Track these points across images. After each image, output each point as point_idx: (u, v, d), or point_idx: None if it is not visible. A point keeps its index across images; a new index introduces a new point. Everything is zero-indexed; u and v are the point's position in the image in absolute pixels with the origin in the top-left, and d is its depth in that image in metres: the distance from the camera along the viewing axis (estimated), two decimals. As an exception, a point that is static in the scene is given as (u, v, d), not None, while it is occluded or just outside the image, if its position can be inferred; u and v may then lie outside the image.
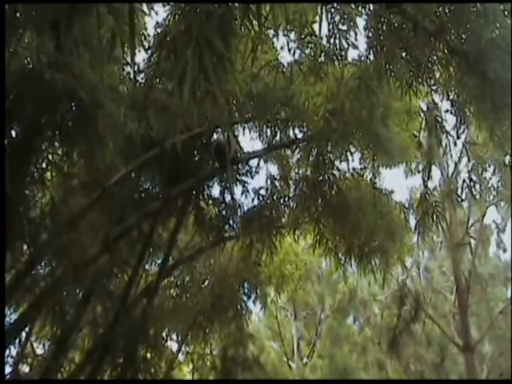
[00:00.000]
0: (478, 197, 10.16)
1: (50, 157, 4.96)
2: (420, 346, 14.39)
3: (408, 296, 12.52)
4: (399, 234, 7.84)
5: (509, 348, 12.63)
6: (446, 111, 6.69)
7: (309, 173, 7.36)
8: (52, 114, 4.38)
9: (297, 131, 7.09)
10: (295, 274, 9.87)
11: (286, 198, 7.65)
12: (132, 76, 5.53)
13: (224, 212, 7.54)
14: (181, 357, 9.84)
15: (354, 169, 7.63)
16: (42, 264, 6.34)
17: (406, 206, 8.13)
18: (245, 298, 9.28)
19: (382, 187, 7.89)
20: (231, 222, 7.60)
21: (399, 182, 9.59)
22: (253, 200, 7.48)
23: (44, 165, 4.98)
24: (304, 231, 8.16)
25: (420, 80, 6.21)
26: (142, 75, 5.70)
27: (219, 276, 8.80)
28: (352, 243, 7.65)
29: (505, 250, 14.58)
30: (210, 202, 7.53)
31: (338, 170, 7.38)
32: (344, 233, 7.61)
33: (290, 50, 5.92)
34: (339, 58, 5.82)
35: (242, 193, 7.42)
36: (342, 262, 7.92)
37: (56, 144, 4.82)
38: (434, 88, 6.54)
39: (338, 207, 7.35)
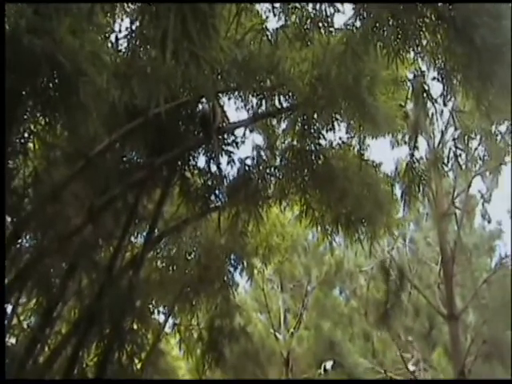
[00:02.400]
0: (463, 167, 10.21)
1: (31, 126, 4.87)
2: (407, 316, 14.53)
3: (393, 267, 12.58)
4: (386, 204, 7.85)
5: (492, 317, 12.81)
6: (433, 79, 6.66)
7: (295, 142, 7.30)
8: (32, 81, 4.28)
9: (283, 100, 7.02)
10: (282, 246, 9.89)
11: (272, 168, 7.60)
12: (114, 43, 5.40)
13: (210, 182, 7.49)
14: (168, 328, 9.88)
15: (340, 138, 7.61)
16: (27, 236, 6.29)
17: (392, 176, 8.13)
18: (231, 270, 9.32)
19: (369, 158, 7.88)
20: (217, 192, 7.55)
21: (385, 153, 9.56)
22: (238, 170, 7.42)
23: (26, 135, 4.88)
24: (290, 202, 8.15)
25: (407, 47, 6.16)
26: (125, 43, 5.59)
27: (206, 247, 8.79)
28: (339, 213, 7.65)
29: (489, 221, 14.71)
30: (196, 172, 7.48)
31: (325, 139, 7.34)
32: (330, 203, 7.60)
33: (275, 16, 5.83)
34: (325, 24, 5.75)
35: (228, 163, 7.37)
36: (329, 231, 7.93)
37: (37, 114, 4.72)
38: (421, 55, 6.50)
39: (324, 177, 7.33)
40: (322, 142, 7.34)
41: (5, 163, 3.97)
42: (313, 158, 7.31)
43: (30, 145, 5.17)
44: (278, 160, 7.64)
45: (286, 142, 7.56)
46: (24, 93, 4.37)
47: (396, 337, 14.11)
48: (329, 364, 14.66)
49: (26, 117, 4.72)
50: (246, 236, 8.48)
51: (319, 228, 7.91)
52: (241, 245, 8.84)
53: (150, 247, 7.77)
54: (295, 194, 7.75)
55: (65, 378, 6.68)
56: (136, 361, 7.34)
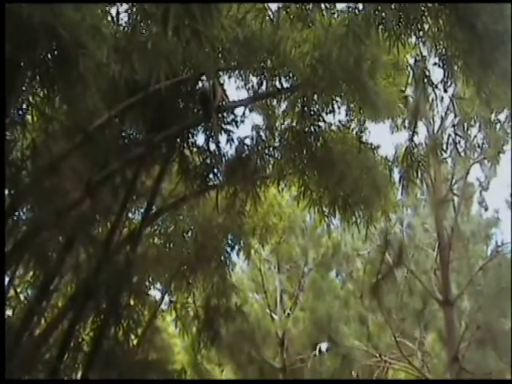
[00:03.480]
0: (462, 154, 10.23)
1: (30, 98, 4.86)
2: (402, 299, 14.61)
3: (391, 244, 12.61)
4: (383, 188, 7.87)
5: (486, 303, 12.93)
6: (434, 64, 6.66)
7: (294, 124, 7.31)
8: (31, 52, 4.27)
9: (283, 81, 7.00)
10: (279, 226, 9.94)
11: (271, 149, 7.61)
12: (115, 17, 5.38)
13: (208, 161, 7.51)
14: (164, 306, 9.94)
15: (340, 121, 7.61)
16: (24, 208, 6.32)
17: (391, 160, 8.14)
18: (228, 249, 9.36)
19: (368, 141, 7.88)
20: (215, 170, 7.57)
21: (385, 138, 9.54)
22: (237, 150, 7.42)
23: (24, 106, 4.87)
24: (288, 183, 8.16)
25: (409, 31, 6.15)
26: (126, 17, 5.57)
27: (203, 226, 8.82)
28: (336, 195, 7.67)
29: (486, 209, 14.74)
30: (195, 150, 7.49)
31: (324, 121, 7.34)
32: (328, 185, 7.62)
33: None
34: (327, 5, 5.74)
35: (227, 142, 7.38)
36: (326, 213, 7.95)
37: (36, 85, 4.71)
38: (423, 40, 6.49)
39: (322, 159, 7.34)
40: (322, 124, 7.34)
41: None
42: (312, 139, 7.32)
43: (29, 117, 5.17)
44: (277, 141, 7.63)
45: (286, 123, 7.56)
46: (22, 63, 4.36)
47: (390, 318, 14.15)
48: (324, 346, 14.76)
49: (24, 88, 4.71)
50: (244, 215, 8.51)
51: (316, 210, 7.93)
52: (238, 224, 8.88)
53: (147, 223, 7.81)
54: (293, 175, 7.77)
55: (61, 350, 6.75)
56: (132, 336, 7.41)
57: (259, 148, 7.52)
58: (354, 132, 7.70)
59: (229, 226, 8.89)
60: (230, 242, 9.31)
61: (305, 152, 7.41)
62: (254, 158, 7.46)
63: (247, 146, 7.47)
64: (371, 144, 7.82)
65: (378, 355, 14.73)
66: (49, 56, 4.39)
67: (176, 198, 7.99)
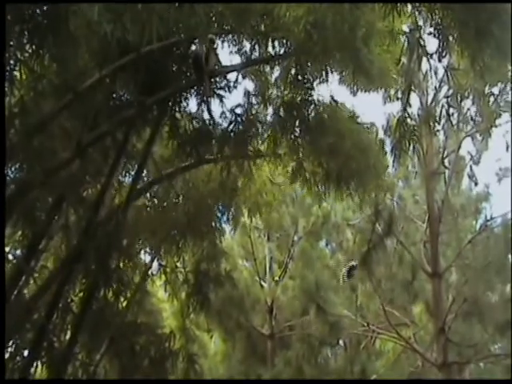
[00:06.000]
0: (455, 127, 10.21)
1: (18, 54, 4.78)
2: (391, 270, 14.70)
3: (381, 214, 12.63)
4: (377, 163, 7.89)
5: (474, 277, 13.04)
6: (429, 34, 6.62)
7: (287, 92, 7.27)
8: (18, 6, 4.19)
9: (276, 47, 6.93)
10: (270, 202, 9.87)
11: (263, 116, 7.59)
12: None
13: (200, 127, 7.48)
14: (153, 270, 9.96)
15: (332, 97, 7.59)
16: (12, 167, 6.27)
17: (383, 132, 8.16)
18: (219, 215, 9.37)
19: (360, 118, 7.91)
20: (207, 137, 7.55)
21: (377, 109, 9.50)
22: (230, 121, 7.39)
23: (12, 62, 4.79)
24: (283, 162, 8.17)
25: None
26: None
27: (194, 191, 8.80)
28: (330, 168, 7.68)
29: (476, 183, 14.72)
30: (186, 115, 7.44)
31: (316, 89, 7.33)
32: (321, 158, 7.62)
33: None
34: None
35: (221, 115, 7.35)
36: (321, 191, 8.01)
37: (24, 41, 4.63)
38: (419, 9, 6.44)
39: (315, 128, 7.34)
40: (314, 93, 7.35)
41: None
42: (304, 108, 7.31)
43: (17, 73, 5.09)
44: (270, 110, 7.61)
45: (279, 91, 7.52)
46: (9, 17, 4.28)
47: (379, 289, 14.23)
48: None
49: (12, 43, 4.63)
50: (236, 191, 8.53)
51: (311, 185, 7.97)
52: (230, 192, 8.87)
53: (138, 186, 7.78)
54: (287, 148, 7.75)
55: (50, 310, 6.78)
56: (121, 299, 7.45)
57: (251, 116, 7.48)
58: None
59: (220, 194, 8.87)
60: (220, 208, 9.30)
61: (298, 121, 7.40)
62: (247, 127, 7.44)
63: (239, 115, 7.43)
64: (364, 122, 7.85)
65: (365, 324, 14.86)
66: (38, 11, 4.32)
67: (167, 164, 7.95)
